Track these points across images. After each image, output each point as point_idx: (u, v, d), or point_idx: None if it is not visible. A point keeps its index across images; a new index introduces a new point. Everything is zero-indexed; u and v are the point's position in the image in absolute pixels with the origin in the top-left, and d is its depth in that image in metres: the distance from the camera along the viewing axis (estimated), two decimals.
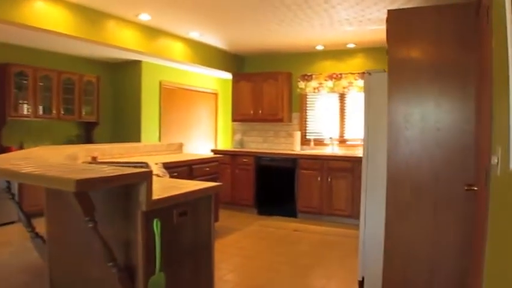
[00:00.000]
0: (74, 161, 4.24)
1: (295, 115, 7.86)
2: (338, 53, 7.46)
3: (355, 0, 4.73)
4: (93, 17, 5.22)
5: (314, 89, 7.58)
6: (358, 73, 7.13)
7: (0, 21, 4.33)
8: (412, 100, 3.19)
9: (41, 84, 6.68)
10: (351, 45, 7.05)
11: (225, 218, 6.64)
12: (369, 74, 3.65)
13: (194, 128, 9.22)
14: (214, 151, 7.78)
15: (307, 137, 7.79)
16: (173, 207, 2.48)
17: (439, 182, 3.13)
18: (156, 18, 5.68)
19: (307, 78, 7.64)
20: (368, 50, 7.20)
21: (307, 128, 7.84)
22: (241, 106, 7.91)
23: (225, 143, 9.87)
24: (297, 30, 6.13)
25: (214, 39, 7.02)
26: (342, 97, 7.49)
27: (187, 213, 2.62)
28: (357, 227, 6.15)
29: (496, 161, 1.81)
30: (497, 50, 1.95)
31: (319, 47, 7.30)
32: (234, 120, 8.13)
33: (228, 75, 8.46)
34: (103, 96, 7.87)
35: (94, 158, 4.49)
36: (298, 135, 7.61)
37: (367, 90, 3.63)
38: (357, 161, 6.38)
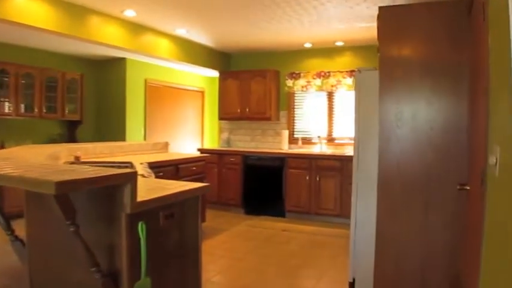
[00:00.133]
0: (56, 161, 4.11)
1: (283, 113, 7.79)
2: (326, 51, 7.40)
3: None
4: (77, 12, 5.07)
5: (302, 87, 7.52)
6: (347, 71, 7.09)
7: None
8: (404, 98, 3.14)
9: (22, 81, 6.52)
10: (340, 43, 7.01)
11: (212, 218, 6.55)
12: (360, 72, 3.59)
13: (180, 126, 9.10)
14: (201, 150, 7.69)
15: (295, 135, 7.72)
16: (159, 209, 2.38)
17: (430, 181, 3.08)
18: (142, 15, 5.55)
19: (295, 76, 7.57)
20: (356, 48, 7.15)
21: (295, 127, 7.78)
22: (228, 104, 7.82)
23: (212, 142, 9.77)
24: (285, 28, 6.06)
25: (201, 37, 6.91)
26: (330, 95, 7.44)
27: (173, 215, 2.52)
28: (345, 226, 6.13)
29: (494, 161, 1.75)
30: (494, 47, 1.90)
31: (308, 45, 7.24)
32: (220, 118, 8.04)
33: (215, 73, 8.36)
34: (87, 94, 7.72)
35: (77, 158, 4.36)
36: (286, 133, 7.54)
37: (358, 89, 3.57)
38: (345, 159, 6.34)
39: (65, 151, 4.48)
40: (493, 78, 1.91)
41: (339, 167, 6.41)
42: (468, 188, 2.71)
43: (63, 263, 2.53)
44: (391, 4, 3.17)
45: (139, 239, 2.18)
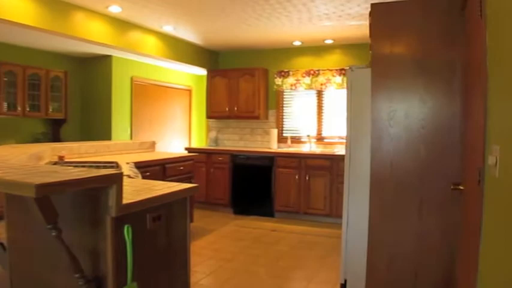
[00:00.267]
0: (39, 161, 4.00)
1: (272, 112, 7.71)
2: (316, 49, 7.34)
3: None
4: (59, 7, 4.92)
5: (291, 85, 7.45)
6: (336, 70, 7.04)
7: None
8: (397, 96, 3.08)
9: (5, 79, 6.36)
10: (329, 41, 6.95)
11: (200, 218, 6.46)
12: (352, 70, 3.52)
13: (167, 125, 8.98)
14: (189, 149, 7.59)
15: (284, 134, 7.66)
16: (146, 212, 2.29)
17: (423, 180, 3.03)
18: (127, 11, 5.42)
19: (284, 74, 7.50)
20: (346, 46, 7.10)
21: (284, 126, 7.71)
22: (216, 103, 7.73)
23: (200, 141, 9.66)
24: (275, 25, 5.97)
25: (188, 34, 6.79)
26: (319, 94, 7.37)
27: (161, 218, 2.43)
28: (335, 226, 6.10)
29: (494, 161, 1.69)
30: (492, 44, 1.84)
31: (297, 43, 7.17)
32: (208, 117, 7.94)
33: (203, 71, 8.26)
34: (71, 92, 7.57)
35: (61, 158, 4.25)
36: (274, 132, 7.47)
37: (350, 87, 3.51)
38: (335, 158, 6.29)
39: (48, 151, 4.37)
40: (492, 77, 1.86)
41: (328, 166, 6.36)
42: (462, 188, 2.66)
43: (46, 268, 2.42)
44: (384, 1, 3.11)
45: (125, 242, 2.09)
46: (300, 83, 7.36)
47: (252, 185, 6.99)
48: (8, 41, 6.39)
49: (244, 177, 7.05)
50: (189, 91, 9.63)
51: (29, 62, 6.84)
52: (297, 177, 6.58)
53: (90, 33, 5.39)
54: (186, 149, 7.67)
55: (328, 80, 7.10)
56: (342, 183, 5.88)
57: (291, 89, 7.48)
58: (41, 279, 2.48)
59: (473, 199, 2.20)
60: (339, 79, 6.98)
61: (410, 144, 3.04)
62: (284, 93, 7.68)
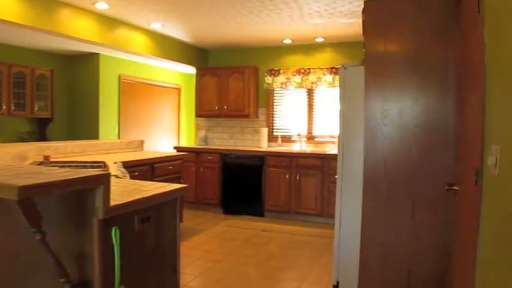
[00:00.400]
0: (24, 161, 3.90)
1: (262, 111, 7.65)
2: (306, 47, 7.29)
3: None
4: (45, 4, 4.80)
5: (281, 84, 7.39)
6: (327, 68, 6.99)
7: None
8: (390, 95, 3.03)
9: None
10: (320, 39, 6.89)
11: (190, 218, 6.38)
12: (345, 68, 3.47)
13: (156, 124, 8.88)
14: (178, 148, 7.49)
15: (274, 133, 7.60)
16: (134, 213, 2.21)
17: (417, 180, 2.99)
18: (115, 8, 5.31)
19: (274, 73, 7.44)
20: (337, 44, 7.06)
21: (274, 124, 7.65)
22: (205, 101, 7.64)
23: (189, 140, 9.58)
24: (265, 22, 5.90)
25: (177, 32, 6.70)
26: (310, 93, 7.33)
27: (150, 219, 2.36)
28: (326, 226, 6.06)
29: (494, 161, 1.65)
30: (491, 42, 1.80)
31: (287, 41, 7.11)
32: (198, 115, 7.85)
33: (192, 70, 8.16)
34: (58, 90, 7.42)
35: (46, 158, 4.14)
36: (265, 131, 7.40)
37: (343, 85, 3.46)
38: (326, 158, 6.25)
39: (33, 150, 4.26)
40: (490, 75, 1.81)
41: (319, 166, 6.31)
42: (457, 188, 2.62)
43: (31, 273, 2.34)
44: None
45: (112, 245, 2.02)
46: (290, 81, 7.31)
47: (242, 184, 6.92)
48: None
49: (234, 177, 6.98)
50: (178, 90, 9.53)
51: (14, 60, 6.69)
52: (287, 176, 6.53)
53: (76, 31, 5.27)
54: (175, 148, 7.58)
55: (319, 78, 7.05)
56: (333, 182, 5.88)
57: (281, 87, 7.43)
58: (25, 284, 2.40)
59: (469, 199, 2.16)
60: (329, 78, 6.94)
61: (404, 143, 3.00)
62: (274, 92, 7.62)
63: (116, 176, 3.42)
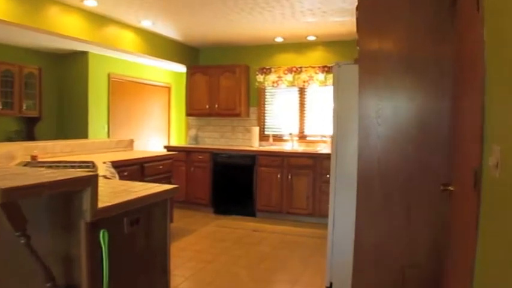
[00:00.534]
0: (10, 161, 3.82)
1: (253, 110, 7.59)
2: (298, 45, 7.24)
3: None
4: (33, 1, 4.69)
5: (273, 82, 7.34)
6: (319, 67, 6.95)
7: None
8: (385, 94, 2.99)
9: None
10: (312, 38, 6.85)
11: (180, 218, 6.31)
12: (339, 66, 3.42)
13: (146, 123, 8.79)
14: (168, 148, 7.41)
15: (266, 132, 7.54)
16: (123, 215, 2.15)
17: (412, 180, 2.94)
18: (103, 5, 5.21)
19: (265, 71, 7.39)
20: (329, 43, 7.02)
21: (265, 123, 7.59)
22: (196, 100, 7.57)
23: (179, 139, 9.50)
24: (257, 20, 5.84)
25: (168, 29, 6.62)
26: (301, 91, 7.28)
27: (139, 221, 2.29)
28: (318, 226, 6.02)
29: (495, 162, 1.61)
30: (490, 38, 1.76)
31: (279, 39, 7.05)
32: (188, 114, 7.78)
33: (182, 68, 8.08)
34: (47, 89, 7.31)
35: (34, 157, 4.06)
36: (256, 130, 7.35)
37: (336, 83, 3.41)
38: (318, 157, 6.21)
39: (20, 150, 4.18)
40: (490, 74, 1.77)
41: (311, 165, 6.27)
42: (452, 188, 2.58)
43: (15, 277, 2.26)
44: None
45: (100, 249, 1.96)
46: (282, 80, 7.26)
47: (233, 184, 6.86)
48: None
49: (225, 176, 6.91)
50: (168, 88, 9.45)
51: (2, 58, 6.56)
52: (279, 176, 6.48)
53: (64, 28, 5.18)
54: (166, 147, 7.50)
55: (311, 77, 7.01)
56: (325, 182, 5.86)
57: (273, 86, 7.38)
58: None
59: (467, 200, 2.12)
60: (321, 76, 6.90)
61: (398, 143, 2.96)
62: (266, 91, 7.57)
63: (105, 177, 3.35)
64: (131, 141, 6.04)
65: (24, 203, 1.70)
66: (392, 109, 2.97)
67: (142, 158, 5.06)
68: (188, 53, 7.87)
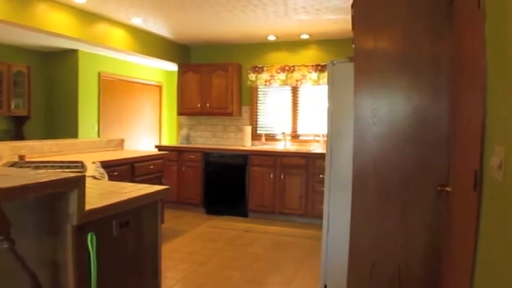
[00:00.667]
0: None
1: (245, 109, 7.52)
2: (291, 44, 7.18)
3: None
4: None
5: (265, 81, 7.27)
6: (312, 66, 6.90)
7: None
8: (381, 93, 2.93)
9: None
10: (305, 36, 6.79)
11: (171, 218, 6.23)
12: (333, 64, 3.36)
13: (136, 122, 8.69)
14: (159, 147, 7.31)
15: (258, 131, 7.48)
16: (112, 218, 2.07)
17: (409, 181, 2.90)
18: (93, 2, 5.11)
19: (258, 70, 7.32)
20: (322, 41, 6.97)
21: (258, 123, 7.53)
22: (187, 99, 7.48)
23: (170, 139, 9.41)
24: (249, 18, 5.77)
25: (159, 27, 6.53)
26: (294, 90, 7.22)
27: (129, 223, 2.22)
28: (311, 226, 5.97)
29: (498, 163, 1.56)
30: (493, 37, 1.71)
31: (271, 38, 6.99)
32: (180, 113, 7.69)
33: (173, 67, 7.98)
34: (35, 88, 7.19)
35: (21, 157, 3.96)
36: (248, 130, 7.28)
37: (331, 82, 3.35)
38: (311, 157, 6.16)
39: (8, 150, 4.09)
40: (492, 72, 1.72)
41: (304, 165, 6.22)
42: (449, 189, 2.53)
43: None
44: None
45: (88, 252, 1.88)
46: (274, 79, 7.20)
47: (225, 184, 6.79)
48: None
49: (217, 176, 6.84)
50: (160, 87, 9.35)
51: None
52: (271, 176, 6.42)
53: (53, 25, 5.07)
54: (157, 146, 7.40)
55: (304, 76, 6.95)
56: (318, 182, 5.81)
57: (265, 85, 7.31)
58: None
59: (466, 202, 2.07)
60: (314, 75, 6.85)
61: (395, 143, 2.91)
62: (258, 90, 7.50)
63: (94, 177, 3.26)
64: (121, 141, 5.95)
65: (7, 205, 1.62)
66: (389, 108, 2.91)
67: (133, 157, 4.97)
68: (179, 51, 7.78)
